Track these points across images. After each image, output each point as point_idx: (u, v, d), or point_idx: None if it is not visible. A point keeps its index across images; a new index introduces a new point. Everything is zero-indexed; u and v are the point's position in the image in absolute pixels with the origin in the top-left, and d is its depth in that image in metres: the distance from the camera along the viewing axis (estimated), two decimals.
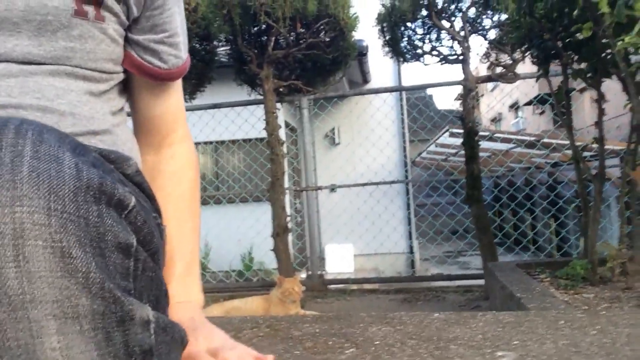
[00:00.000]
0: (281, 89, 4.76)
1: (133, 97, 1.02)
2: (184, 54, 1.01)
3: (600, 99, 2.58)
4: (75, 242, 0.48)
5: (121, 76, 0.97)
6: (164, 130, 1.05)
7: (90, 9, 0.83)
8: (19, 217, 0.45)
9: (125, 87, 1.01)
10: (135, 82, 1.01)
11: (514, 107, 16.93)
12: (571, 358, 0.84)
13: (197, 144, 6.84)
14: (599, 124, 2.62)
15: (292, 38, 4.53)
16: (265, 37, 4.56)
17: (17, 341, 0.45)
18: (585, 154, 4.92)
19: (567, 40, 2.55)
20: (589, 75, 2.57)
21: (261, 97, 4.68)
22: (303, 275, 5.06)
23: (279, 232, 4.29)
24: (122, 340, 0.51)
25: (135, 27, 0.93)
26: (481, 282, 4.22)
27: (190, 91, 4.87)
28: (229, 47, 5.06)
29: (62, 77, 0.84)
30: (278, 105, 4.72)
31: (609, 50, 2.32)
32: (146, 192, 0.78)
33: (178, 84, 1.07)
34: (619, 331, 0.97)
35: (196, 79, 4.87)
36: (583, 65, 2.62)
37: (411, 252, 7.19)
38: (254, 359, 0.88)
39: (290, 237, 4.55)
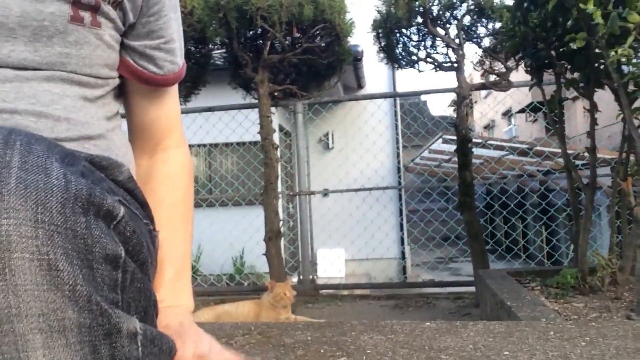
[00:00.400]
0: (276, 93, 4.76)
1: (128, 102, 1.02)
2: (180, 59, 1.01)
3: (593, 109, 2.60)
4: (62, 255, 0.47)
5: (116, 81, 0.97)
6: (159, 135, 1.04)
7: (86, 15, 0.83)
8: (5, 230, 0.45)
9: (121, 92, 1.01)
10: (131, 87, 1.01)
11: (507, 114, 17.04)
12: None
13: (190, 146, 6.83)
14: (591, 133, 2.65)
15: (287, 42, 4.54)
16: (261, 41, 4.57)
17: (2, 355, 0.44)
18: (577, 162, 4.96)
19: (561, 49, 2.57)
20: (581, 85, 2.59)
21: (256, 101, 4.68)
22: (294, 279, 5.05)
23: (271, 236, 4.28)
24: (108, 354, 0.50)
25: (131, 33, 0.93)
26: (472, 289, 4.23)
27: (185, 94, 4.86)
28: (224, 51, 5.06)
29: (57, 83, 0.84)
30: (272, 109, 4.72)
31: (602, 61, 2.34)
32: (138, 199, 0.78)
33: (174, 90, 1.07)
34: (608, 343, 0.98)
35: (191, 82, 4.86)
36: (576, 75, 2.65)
37: (403, 258, 7.20)
38: None
39: (282, 242, 4.55)
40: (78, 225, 0.50)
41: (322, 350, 1.03)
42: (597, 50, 2.27)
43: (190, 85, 4.88)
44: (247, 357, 0.92)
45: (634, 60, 2.07)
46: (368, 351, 1.01)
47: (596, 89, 2.55)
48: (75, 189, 0.51)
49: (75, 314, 0.47)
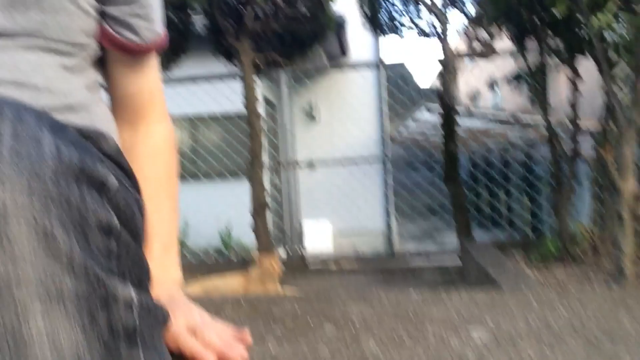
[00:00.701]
0: (259, 62, 4.69)
1: (109, 74, 1.01)
2: (159, 28, 0.99)
3: (575, 77, 2.61)
4: (58, 224, 0.47)
5: (95, 49, 0.96)
6: (141, 108, 1.03)
7: None
8: (1, 199, 0.45)
9: (101, 64, 0.99)
10: (111, 58, 0.99)
11: (492, 84, 17.05)
12: (541, 335, 0.87)
13: (173, 118, 6.74)
14: (573, 103, 2.67)
15: (270, 10, 4.45)
16: (243, 8, 4.47)
17: (3, 322, 0.45)
18: (559, 131, 5.00)
19: (544, 16, 2.56)
20: (564, 52, 2.60)
21: (238, 70, 4.62)
22: (281, 251, 5.09)
23: (258, 209, 4.29)
24: (106, 320, 0.50)
25: (109, 0, 0.92)
26: (457, 261, 4.29)
27: (165, 62, 4.77)
28: (205, 17, 4.95)
29: (35, 51, 0.83)
30: (256, 78, 4.66)
31: (584, 26, 2.34)
32: (125, 170, 0.78)
33: (154, 61, 1.05)
34: (587, 309, 1.00)
35: (170, 50, 4.76)
36: (558, 41, 2.64)
37: (389, 228, 7.27)
38: (232, 336, 0.90)
39: (269, 214, 4.55)
40: (72, 194, 0.50)
41: (310, 321, 1.04)
42: (579, 17, 2.27)
43: (170, 53, 4.78)
44: (237, 332, 0.93)
45: (616, 26, 2.08)
46: (355, 321, 1.03)
47: (578, 55, 2.55)
48: (67, 158, 0.51)
49: (73, 282, 0.48)
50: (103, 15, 0.92)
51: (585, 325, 0.91)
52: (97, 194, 0.54)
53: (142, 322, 0.55)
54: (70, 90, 0.86)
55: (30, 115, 0.52)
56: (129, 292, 0.54)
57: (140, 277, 0.64)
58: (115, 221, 0.56)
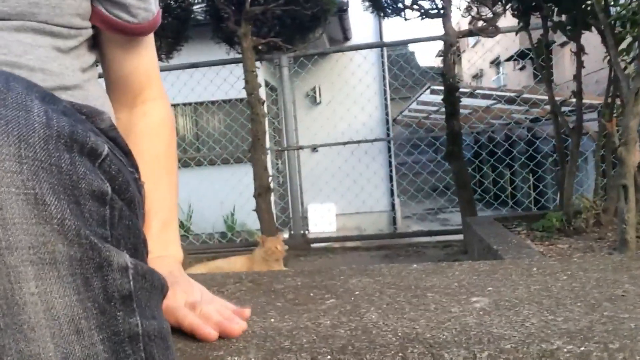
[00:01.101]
0: (260, 47, 4.67)
1: (103, 54, 1.00)
2: (154, 7, 0.98)
3: (580, 52, 2.58)
4: (48, 189, 0.48)
5: (90, 32, 0.95)
6: (137, 88, 1.03)
7: None
8: None
9: (95, 44, 0.99)
10: (105, 38, 0.98)
11: (495, 62, 16.90)
12: (542, 301, 0.87)
13: (176, 105, 6.73)
14: (577, 77, 2.64)
15: None
16: None
17: None
18: (564, 108, 4.97)
19: None
20: (568, 27, 2.56)
21: (240, 56, 4.59)
22: (286, 234, 5.11)
23: (261, 192, 4.30)
24: (100, 286, 0.51)
25: None
26: (460, 237, 4.30)
27: (167, 50, 4.75)
28: (205, 5, 4.92)
29: (28, 33, 0.83)
30: (257, 63, 4.64)
31: (588, 2, 2.31)
32: (121, 147, 0.78)
33: (149, 40, 1.05)
34: (589, 276, 1.00)
35: (172, 38, 4.75)
36: (563, 18, 2.61)
37: (393, 209, 7.27)
38: (232, 312, 0.91)
39: (272, 197, 4.56)
40: (62, 161, 0.50)
41: (311, 294, 1.05)
42: None
43: (172, 41, 4.76)
44: (238, 306, 0.94)
45: (621, 1, 2.05)
46: (356, 292, 1.03)
47: (583, 31, 2.52)
48: (57, 125, 0.51)
49: (65, 247, 0.48)
50: None
51: (587, 289, 0.92)
52: (89, 161, 0.54)
53: (137, 287, 0.56)
54: (63, 72, 0.86)
55: (19, 84, 0.52)
56: (124, 258, 0.54)
57: (136, 245, 0.65)
58: (108, 189, 0.56)
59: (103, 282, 0.51)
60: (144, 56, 1.04)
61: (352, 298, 0.98)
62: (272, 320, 0.90)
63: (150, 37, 1.06)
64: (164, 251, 0.96)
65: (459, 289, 0.98)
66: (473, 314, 0.83)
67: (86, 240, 0.50)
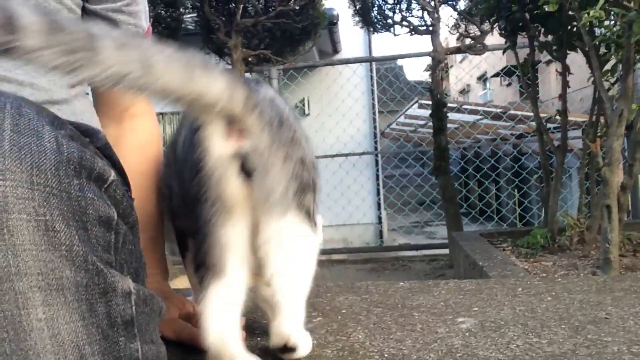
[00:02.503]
0: (250, 59, 4.68)
1: None
2: (144, 23, 0.99)
3: (565, 72, 2.63)
4: (58, 216, 0.49)
5: None
6: (125, 103, 1.04)
7: None
8: (2, 191, 0.45)
9: None
10: None
11: (482, 78, 17.11)
12: (527, 322, 0.88)
13: (163, 114, 6.70)
14: (562, 96, 2.68)
15: (261, 6, 4.44)
16: (234, 5, 4.46)
17: (3, 312, 0.45)
18: (549, 125, 5.03)
19: (535, 12, 2.57)
20: (554, 47, 2.61)
21: (229, 67, 4.60)
22: None
23: None
24: (105, 311, 0.52)
25: None
26: (446, 251, 4.32)
27: None
28: (195, 15, 4.93)
29: None
30: (247, 75, 4.65)
31: (574, 23, 2.35)
32: (116, 166, 0.79)
33: None
34: (573, 297, 1.02)
35: None
36: (549, 38, 2.66)
37: (379, 222, 7.29)
38: None
39: None
40: (72, 187, 0.51)
41: None
42: (570, 13, 2.28)
43: None
44: None
45: (606, 22, 2.09)
46: (343, 311, 1.03)
47: (569, 52, 2.57)
48: (67, 151, 0.52)
49: (73, 273, 0.49)
50: (87, 11, 0.93)
51: (570, 311, 0.93)
52: (96, 187, 0.56)
53: (139, 312, 0.58)
54: (52, 87, 0.87)
55: (30, 109, 0.53)
56: (127, 283, 0.56)
57: (137, 269, 0.66)
58: (114, 214, 0.57)
59: (107, 307, 0.52)
60: None
61: (339, 316, 0.98)
62: (259, 338, 0.90)
63: None
64: (152, 268, 0.96)
65: (445, 309, 0.99)
66: (459, 335, 0.83)
67: (92, 266, 0.51)
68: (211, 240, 0.71)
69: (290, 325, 0.76)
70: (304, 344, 0.81)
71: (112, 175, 0.59)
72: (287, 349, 0.77)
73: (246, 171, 0.67)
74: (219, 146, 0.66)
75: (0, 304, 0.45)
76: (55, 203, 0.49)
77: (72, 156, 0.52)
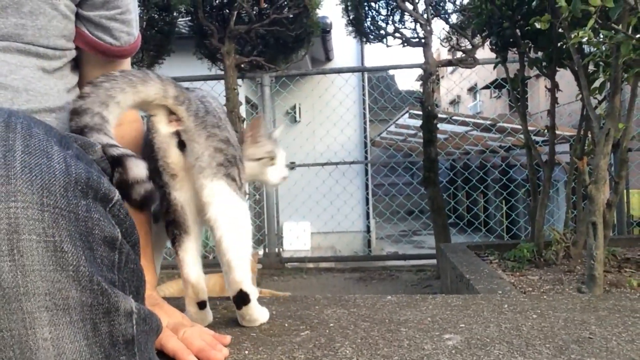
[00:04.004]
0: (243, 65, 4.69)
1: (82, 75, 1.02)
2: (135, 30, 1.01)
3: (554, 88, 2.67)
4: (66, 237, 0.50)
5: (74, 53, 0.97)
6: None
7: None
8: (13, 212, 0.47)
9: (76, 64, 1.00)
10: (85, 59, 1.01)
11: (472, 90, 17.27)
12: (512, 341, 0.89)
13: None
14: (551, 112, 2.72)
15: (255, 13, 4.45)
16: (228, 11, 4.47)
17: (11, 331, 0.46)
18: (537, 139, 5.10)
19: (526, 29, 2.61)
20: (544, 64, 2.65)
21: (222, 73, 4.60)
22: (260, 252, 5.08)
23: None
24: (107, 331, 0.54)
25: (86, 3, 0.94)
26: (434, 262, 4.35)
27: (149, 63, 4.73)
28: (189, 19, 4.93)
29: (14, 54, 0.84)
30: (239, 81, 4.65)
31: (564, 40, 2.39)
32: (111, 179, 0.80)
33: (127, 62, 1.09)
34: (557, 315, 1.03)
35: (155, 51, 4.74)
36: (539, 54, 2.70)
37: (368, 231, 7.31)
38: (213, 337, 0.93)
39: None
40: (79, 208, 0.52)
41: (286, 324, 1.05)
42: (560, 30, 2.32)
43: (154, 54, 4.75)
44: (216, 334, 0.96)
45: (595, 40, 2.13)
46: (331, 324, 1.04)
47: (558, 69, 2.61)
48: (75, 172, 0.53)
49: (78, 293, 0.50)
50: (80, 18, 0.94)
51: (555, 330, 0.94)
52: (102, 207, 0.57)
53: (139, 331, 0.59)
54: (48, 92, 0.88)
55: (40, 129, 0.55)
56: (129, 303, 0.58)
57: (138, 287, 0.68)
58: (119, 234, 0.59)
59: (110, 327, 0.54)
60: None
61: (327, 330, 0.98)
62: (247, 352, 0.90)
63: (128, 59, 1.09)
64: None
65: (432, 324, 0.99)
66: (445, 352, 0.84)
67: (97, 286, 0.52)
68: (169, 202, 0.98)
69: (240, 275, 0.97)
70: (261, 312, 1.03)
71: (117, 195, 0.61)
72: (243, 295, 0.98)
73: (181, 145, 0.96)
74: (162, 128, 0.96)
75: (8, 323, 0.46)
76: (63, 224, 0.50)
77: (80, 177, 0.53)
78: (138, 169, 0.77)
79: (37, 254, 0.47)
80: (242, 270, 0.97)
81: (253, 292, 1.00)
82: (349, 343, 0.91)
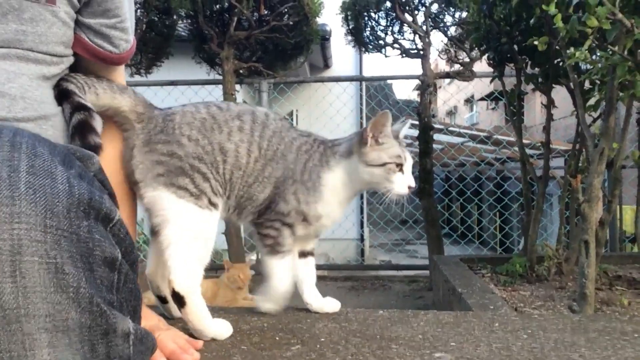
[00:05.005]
0: (241, 71, 4.69)
1: None
2: (131, 37, 1.03)
3: (550, 105, 2.69)
4: (68, 258, 0.50)
5: (71, 60, 0.98)
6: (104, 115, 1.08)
7: None
8: (17, 234, 0.47)
9: (72, 71, 1.01)
10: (82, 65, 1.02)
11: (469, 101, 17.35)
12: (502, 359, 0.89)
13: None
14: (546, 128, 2.74)
15: (255, 19, 4.46)
16: (228, 16, 4.47)
17: (10, 353, 0.47)
18: (533, 152, 5.12)
19: (523, 45, 2.63)
20: (540, 80, 2.67)
21: (220, 77, 4.60)
22: (253, 257, 5.07)
23: None
24: (105, 352, 0.54)
25: (86, 10, 0.94)
26: (426, 272, 4.34)
27: (147, 65, 4.73)
28: (189, 23, 4.93)
29: (13, 61, 0.84)
30: (237, 86, 4.66)
31: (561, 58, 2.41)
32: (108, 190, 0.80)
33: (121, 68, 1.11)
34: (548, 336, 1.03)
35: (153, 53, 4.73)
36: (536, 70, 2.72)
37: (361, 240, 7.30)
38: (186, 341, 0.95)
39: None
40: (81, 229, 0.53)
41: (277, 338, 1.05)
42: (557, 48, 2.34)
43: (152, 57, 4.75)
44: (190, 338, 0.99)
45: (591, 59, 2.14)
46: (322, 339, 1.04)
47: (554, 86, 2.63)
48: (78, 193, 0.54)
49: (78, 315, 0.51)
50: (80, 25, 0.95)
51: (545, 351, 0.94)
52: (102, 227, 0.58)
53: (135, 351, 0.60)
54: (44, 100, 0.89)
55: (44, 148, 0.56)
56: (127, 324, 0.58)
57: (136, 306, 0.69)
58: (119, 254, 0.60)
59: (107, 348, 0.54)
60: (117, 82, 1.09)
61: (318, 345, 0.98)
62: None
63: (122, 66, 1.11)
64: None
65: (423, 342, 0.99)
66: None
67: (97, 308, 0.53)
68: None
69: (173, 275, 1.02)
70: (210, 325, 1.03)
71: (117, 214, 0.61)
72: (176, 294, 1.01)
73: None
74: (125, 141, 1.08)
75: (8, 345, 0.46)
76: (65, 246, 0.50)
77: (83, 198, 0.54)
78: (98, 123, 0.92)
79: (39, 276, 0.48)
80: (176, 271, 1.02)
81: (190, 297, 1.01)
82: (339, 358, 0.91)
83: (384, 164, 1.11)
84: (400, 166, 1.13)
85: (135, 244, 0.68)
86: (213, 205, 1.08)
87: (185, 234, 1.04)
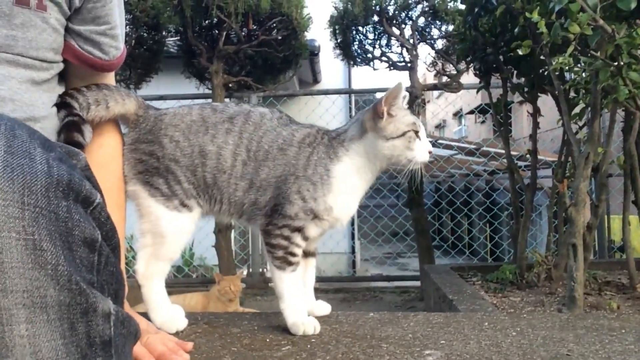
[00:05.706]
0: (230, 85, 4.72)
1: (68, 87, 1.05)
2: (122, 44, 1.04)
3: (536, 113, 2.72)
4: (46, 236, 0.50)
5: (61, 66, 0.99)
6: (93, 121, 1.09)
7: None
8: None
9: (62, 77, 1.02)
10: (71, 71, 1.03)
11: (458, 115, 17.51)
12: (492, 357, 0.90)
13: None
14: (533, 137, 2.77)
15: (243, 34, 4.50)
16: (217, 31, 4.51)
17: None
18: (521, 163, 5.17)
19: (508, 55, 2.67)
20: (526, 89, 2.71)
21: (209, 92, 4.62)
22: (244, 272, 5.04)
23: (222, 228, 4.25)
24: (85, 331, 0.53)
25: (76, 18, 0.96)
26: (417, 283, 4.35)
27: (136, 81, 4.74)
28: (178, 38, 4.96)
29: (2, 65, 0.85)
30: (227, 100, 4.67)
31: (546, 67, 2.45)
32: (94, 186, 0.80)
33: (111, 75, 1.12)
34: (536, 333, 1.04)
35: (143, 69, 4.74)
36: (522, 80, 2.76)
37: (352, 252, 7.29)
38: (176, 343, 0.95)
39: (232, 234, 4.51)
40: (60, 209, 0.53)
41: (267, 339, 1.05)
42: (541, 57, 2.38)
43: (142, 72, 4.76)
44: (179, 341, 0.99)
45: (575, 68, 2.19)
46: (313, 340, 1.04)
47: (540, 94, 2.67)
48: (57, 174, 0.53)
49: (57, 292, 0.50)
50: (70, 31, 0.97)
51: (534, 347, 0.95)
52: (82, 209, 0.58)
53: (117, 333, 0.59)
54: (33, 103, 0.90)
55: (23, 131, 0.56)
56: (107, 304, 0.58)
57: (117, 290, 0.68)
58: (99, 236, 0.60)
59: (87, 327, 0.54)
60: None
61: (308, 345, 0.98)
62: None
63: (112, 72, 1.12)
64: None
65: (413, 341, 1.00)
66: None
67: (76, 286, 0.52)
68: None
69: (137, 264, 1.13)
70: (169, 319, 1.10)
71: (98, 197, 0.61)
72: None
73: None
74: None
75: None
76: (43, 223, 0.50)
77: (62, 178, 0.54)
78: (87, 130, 0.98)
79: (16, 252, 0.47)
80: (138, 261, 1.13)
81: (146, 285, 1.12)
82: (330, 358, 0.91)
83: (403, 134, 1.10)
84: (416, 133, 1.11)
85: (116, 230, 0.68)
86: (185, 206, 1.12)
87: (153, 230, 1.12)
